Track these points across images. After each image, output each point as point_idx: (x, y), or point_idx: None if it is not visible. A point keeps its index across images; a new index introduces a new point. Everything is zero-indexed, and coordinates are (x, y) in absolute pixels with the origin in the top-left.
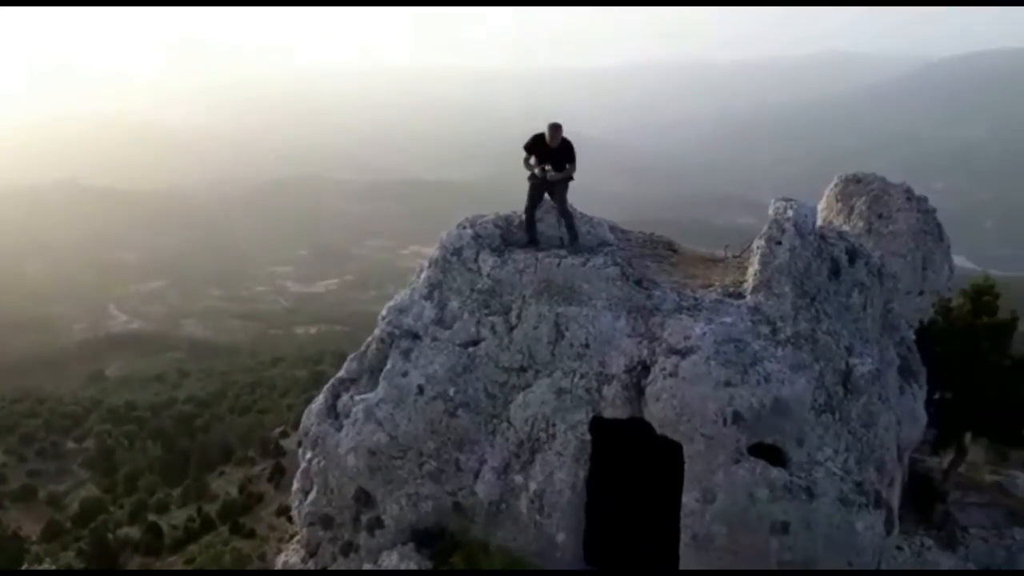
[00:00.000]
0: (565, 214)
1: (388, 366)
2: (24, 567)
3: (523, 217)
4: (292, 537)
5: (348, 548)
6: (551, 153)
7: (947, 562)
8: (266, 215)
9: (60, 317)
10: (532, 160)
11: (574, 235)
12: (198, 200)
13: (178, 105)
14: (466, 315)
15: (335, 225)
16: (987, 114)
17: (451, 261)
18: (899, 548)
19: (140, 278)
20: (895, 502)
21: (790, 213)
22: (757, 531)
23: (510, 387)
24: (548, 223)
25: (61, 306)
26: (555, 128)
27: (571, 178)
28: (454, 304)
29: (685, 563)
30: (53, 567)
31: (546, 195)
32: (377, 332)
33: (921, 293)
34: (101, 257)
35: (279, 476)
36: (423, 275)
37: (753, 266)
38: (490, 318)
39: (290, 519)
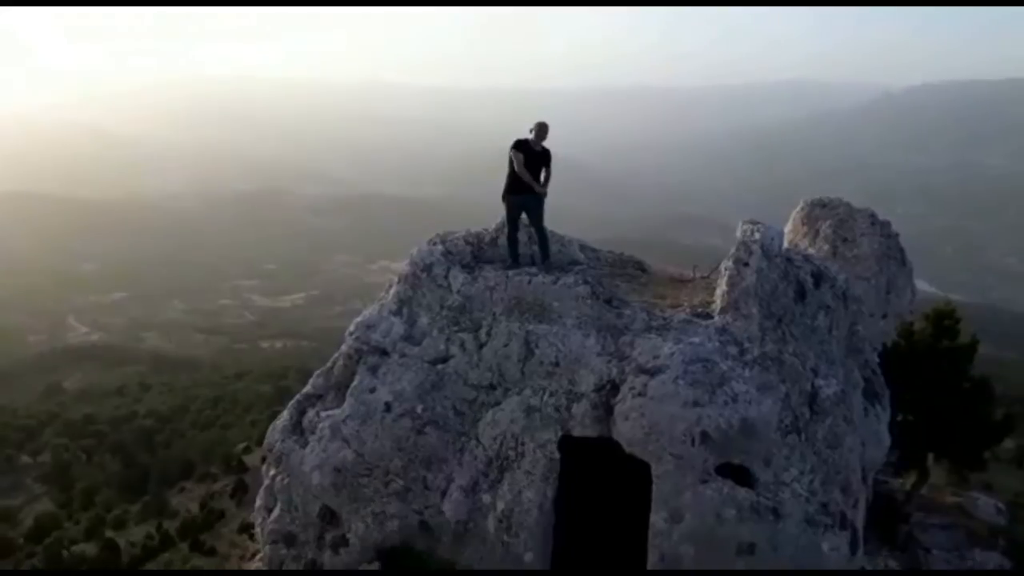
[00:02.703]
0: (540, 232)
1: (355, 382)
2: None
3: (495, 235)
4: (254, 555)
5: (312, 567)
6: (533, 158)
7: None
8: (230, 228)
9: (16, 328)
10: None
11: (546, 254)
12: (158, 211)
13: (133, 115)
14: (435, 332)
15: (301, 239)
16: (944, 143)
17: (421, 277)
18: (864, 569)
19: (100, 289)
20: (860, 523)
21: (757, 236)
22: (724, 552)
23: (479, 405)
24: (519, 240)
25: (17, 317)
26: (544, 128)
27: (545, 194)
28: (423, 320)
29: None
30: None
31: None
32: (344, 348)
33: (885, 316)
34: (58, 268)
35: (241, 493)
36: (392, 291)
37: (721, 287)
38: (460, 335)
39: (252, 536)
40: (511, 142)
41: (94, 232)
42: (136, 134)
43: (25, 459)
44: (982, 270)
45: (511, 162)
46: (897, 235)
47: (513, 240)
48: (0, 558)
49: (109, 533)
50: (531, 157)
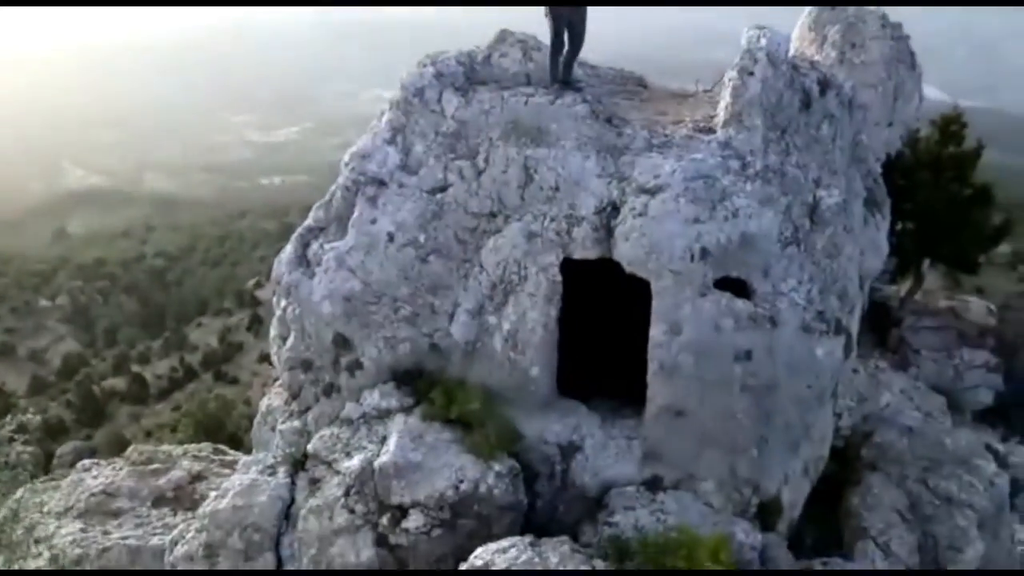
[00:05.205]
0: (578, 48)
1: (356, 214)
2: (8, 418)
3: (488, 53)
4: (275, 381)
5: (330, 389)
6: None
7: (899, 381)
8: (211, 61)
9: (13, 175)
10: None
11: (570, 73)
12: (134, 49)
13: None
14: (432, 160)
15: (289, 69)
16: None
17: (413, 103)
18: (855, 371)
19: (91, 132)
20: (855, 328)
21: (763, 42)
22: (721, 359)
23: (480, 232)
24: (513, 58)
25: (12, 163)
26: None
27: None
28: (419, 148)
29: (653, 390)
30: (38, 417)
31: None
32: (341, 179)
33: (891, 124)
34: (47, 111)
35: (257, 325)
36: (384, 118)
37: (724, 99)
38: (457, 163)
39: (272, 364)
40: None
41: (81, 70)
42: None
43: (44, 302)
44: (996, 72)
45: None
46: (908, 37)
47: (558, 55)
48: (35, 395)
49: (135, 368)
50: None
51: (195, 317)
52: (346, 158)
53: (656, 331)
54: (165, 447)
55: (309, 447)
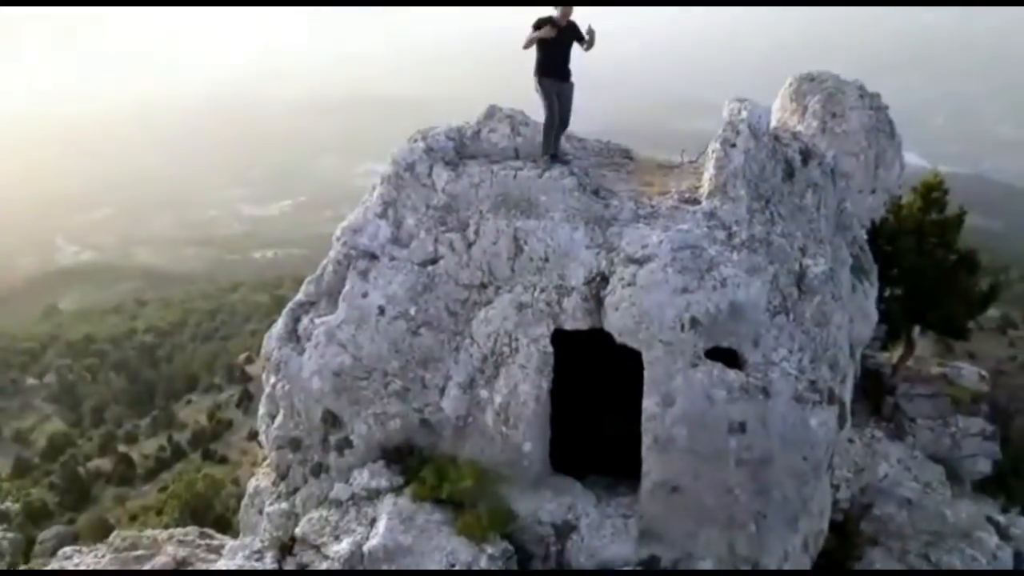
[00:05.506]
0: (566, 122)
1: (347, 287)
2: None
3: (477, 128)
4: (264, 461)
5: (319, 469)
6: (561, 35)
7: (896, 451)
8: (206, 135)
9: (4, 252)
10: (543, 31)
11: (558, 146)
12: (130, 123)
13: None
14: (423, 233)
15: (283, 144)
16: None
17: (404, 177)
18: (851, 441)
19: (85, 207)
20: (847, 397)
21: (744, 114)
22: (716, 431)
23: (471, 304)
24: (501, 133)
25: (4, 240)
26: (566, 11)
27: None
28: (410, 222)
29: (648, 465)
30: (18, 504)
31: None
32: (333, 253)
33: (873, 191)
34: (42, 187)
35: (247, 402)
36: (376, 192)
37: (708, 170)
38: (447, 235)
39: (260, 444)
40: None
41: (71, 150)
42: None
43: (31, 381)
44: (973, 139)
45: (536, 41)
46: (886, 107)
47: (550, 132)
48: (18, 477)
49: (122, 448)
50: (558, 34)
51: (184, 394)
52: (337, 232)
53: (649, 402)
54: (149, 532)
55: (297, 530)
